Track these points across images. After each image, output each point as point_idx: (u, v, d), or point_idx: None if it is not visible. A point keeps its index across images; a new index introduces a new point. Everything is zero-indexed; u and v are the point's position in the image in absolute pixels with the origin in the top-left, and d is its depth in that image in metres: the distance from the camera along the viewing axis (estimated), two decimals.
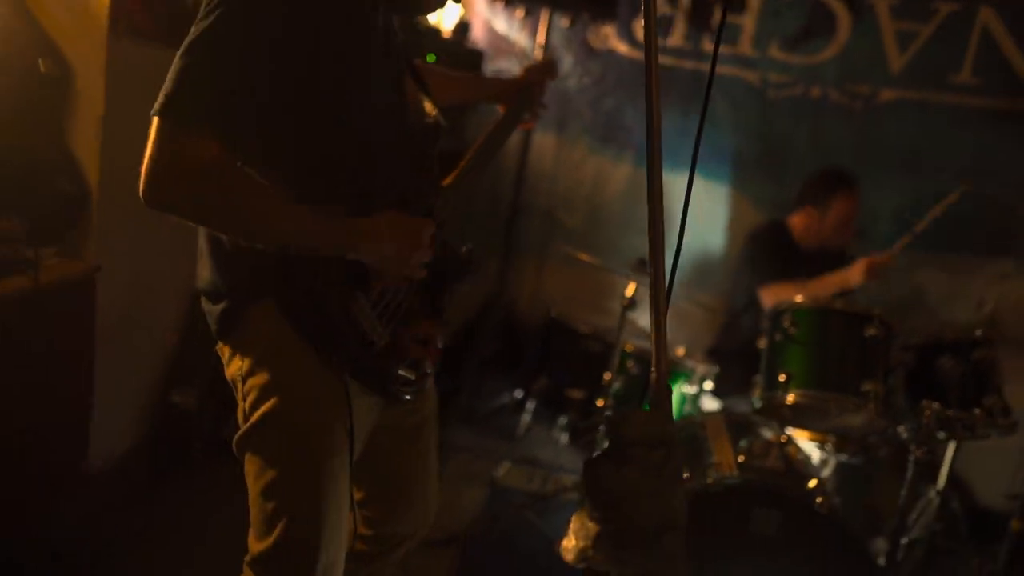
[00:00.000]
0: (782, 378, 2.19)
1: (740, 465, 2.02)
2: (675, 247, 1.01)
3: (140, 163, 1.11)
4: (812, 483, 1.96)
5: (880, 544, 2.53)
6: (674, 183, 3.91)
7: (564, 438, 3.07)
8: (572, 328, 3.13)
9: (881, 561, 2.20)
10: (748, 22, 3.40)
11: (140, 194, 1.08)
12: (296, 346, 1.19)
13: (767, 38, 3.39)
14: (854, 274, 2.68)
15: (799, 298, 2.30)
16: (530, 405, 3.33)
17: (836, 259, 3.07)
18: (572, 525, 0.80)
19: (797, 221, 3.04)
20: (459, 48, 3.17)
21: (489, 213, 3.68)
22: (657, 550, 0.76)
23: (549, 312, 3.35)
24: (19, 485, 1.96)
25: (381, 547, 1.55)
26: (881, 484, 2.84)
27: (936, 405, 2.06)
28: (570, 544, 0.78)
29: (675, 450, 0.80)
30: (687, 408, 2.77)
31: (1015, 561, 2.31)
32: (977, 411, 2.10)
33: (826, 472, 2.61)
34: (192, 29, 1.07)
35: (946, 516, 2.58)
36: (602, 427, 0.85)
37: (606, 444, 0.79)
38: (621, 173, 3.67)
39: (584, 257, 2.46)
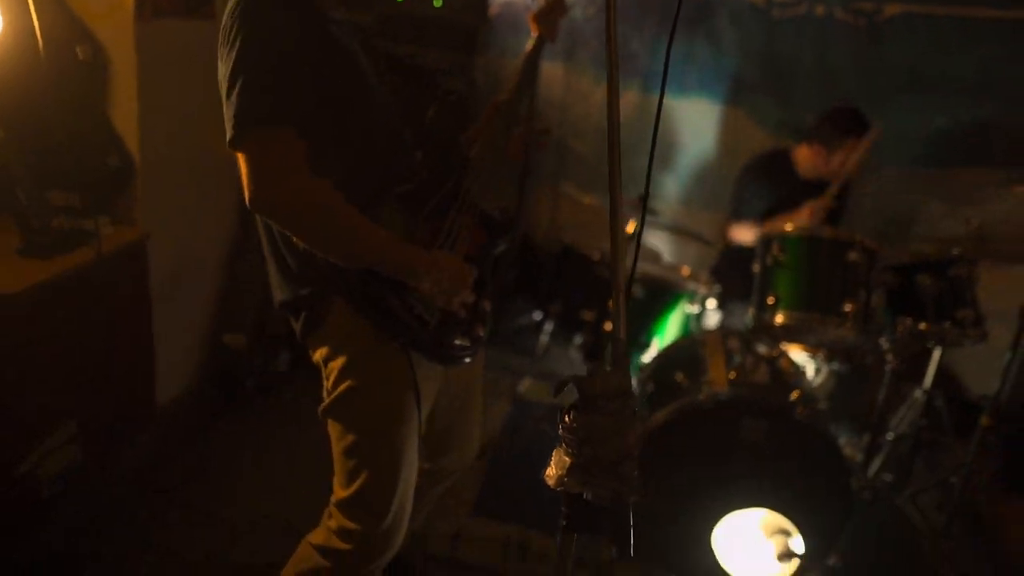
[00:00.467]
0: (771, 301, 2.40)
1: (731, 381, 2.26)
2: (647, 172, 1.19)
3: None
4: (795, 394, 2.20)
5: (865, 439, 2.78)
6: (679, 107, 4.12)
7: (579, 355, 3.33)
8: (584, 255, 3.32)
9: (860, 456, 2.46)
10: None
11: (248, 203, 1.26)
12: (364, 332, 1.40)
13: None
14: (801, 217, 2.84)
15: (788, 226, 2.47)
16: (548, 326, 3.58)
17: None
18: (553, 458, 1.03)
19: (803, 153, 3.12)
20: None
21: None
22: (617, 475, 1.00)
23: (562, 240, 3.54)
24: (103, 422, 2.28)
25: (434, 479, 1.82)
26: (872, 387, 3.08)
27: (909, 320, 2.27)
28: (551, 473, 1.03)
29: (630, 398, 1.02)
30: (691, 327, 2.99)
31: (983, 453, 2.55)
32: (947, 324, 2.30)
33: (819, 380, 2.84)
34: (223, 64, 1.26)
35: (931, 413, 2.82)
36: (572, 382, 1.05)
37: (576, 396, 1.02)
38: (628, 100, 3.75)
39: (588, 200, 2.63)
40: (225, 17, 1.29)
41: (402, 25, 3.06)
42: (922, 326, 2.33)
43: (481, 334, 1.56)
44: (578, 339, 3.35)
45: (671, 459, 2.21)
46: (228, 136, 1.25)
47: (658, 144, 3.52)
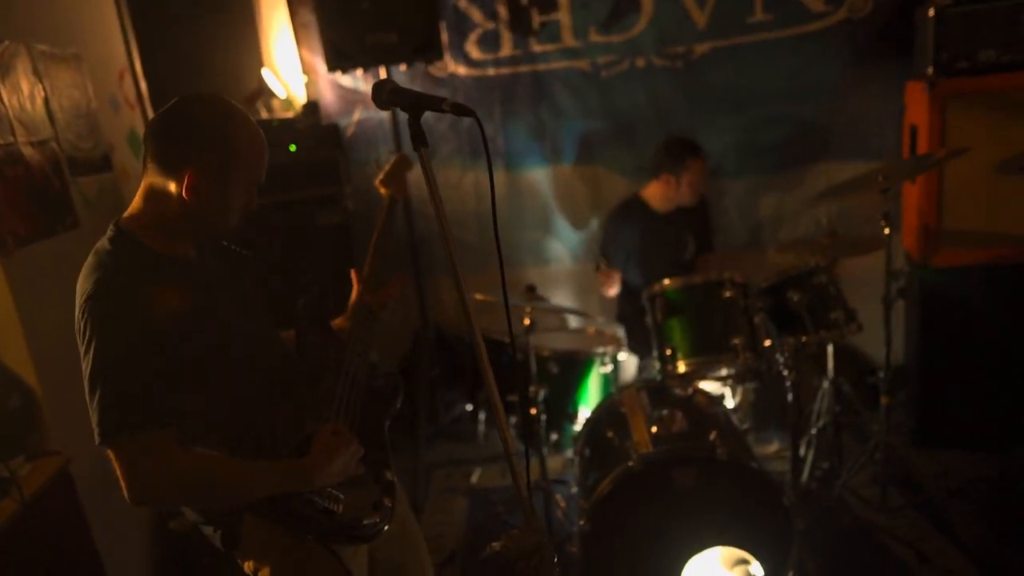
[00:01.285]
0: (668, 352, 2.60)
1: (654, 437, 2.43)
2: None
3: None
4: (713, 435, 2.38)
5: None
6: (543, 176, 4.37)
7: (517, 436, 3.45)
8: (496, 340, 3.47)
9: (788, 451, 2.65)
10: (564, 17, 3.68)
11: (128, 501, 1.33)
12: (280, 537, 1.47)
13: (584, 27, 3.68)
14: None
15: (666, 281, 2.68)
16: (481, 414, 3.69)
17: (694, 213, 3.49)
18: None
19: (653, 190, 3.44)
20: (315, 130, 3.38)
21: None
22: None
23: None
24: None
25: None
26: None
27: (791, 338, 2.50)
28: None
29: (546, 551, 1.16)
30: (611, 386, 3.16)
31: (892, 427, 2.81)
32: (824, 330, 2.55)
33: (737, 400, 3.06)
34: (82, 361, 1.33)
35: (841, 398, 3.07)
36: (489, 552, 1.16)
37: (496, 562, 1.14)
38: (496, 180, 3.96)
39: (479, 297, 2.78)
40: (76, 310, 1.35)
41: (268, 177, 3.16)
42: (804, 339, 2.58)
43: (390, 504, 1.62)
44: (512, 420, 3.47)
45: (621, 524, 2.34)
46: (96, 439, 1.31)
47: (536, 213, 3.76)
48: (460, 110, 1.23)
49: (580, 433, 2.88)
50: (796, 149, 3.74)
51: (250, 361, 1.53)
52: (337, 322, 1.83)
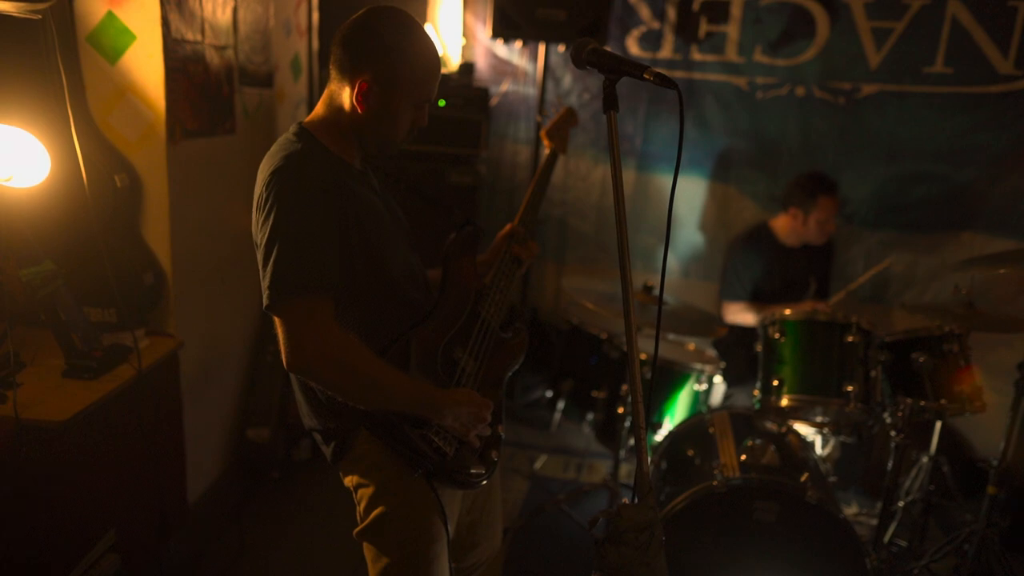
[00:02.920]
0: (775, 383, 2.51)
1: (742, 464, 2.36)
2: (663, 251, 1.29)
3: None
4: (804, 476, 2.29)
5: (879, 507, 2.86)
6: (671, 183, 4.29)
7: (592, 432, 3.43)
8: (593, 334, 3.44)
9: (874, 522, 2.53)
10: (732, 30, 3.61)
11: (285, 366, 1.37)
12: (389, 462, 1.50)
13: (751, 44, 3.60)
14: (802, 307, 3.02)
15: (787, 311, 2.60)
16: (560, 404, 3.68)
17: (820, 253, 3.37)
18: None
19: (782, 222, 3.34)
20: (466, 90, 3.44)
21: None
22: None
23: (570, 319, 3.66)
24: (140, 528, 2.36)
25: (464, 575, 1.91)
26: (878, 453, 3.17)
27: (909, 400, 2.38)
28: None
29: (658, 530, 1.13)
30: (700, 404, 3.09)
31: (991, 521, 2.63)
32: (945, 400, 2.41)
33: (826, 451, 2.94)
34: (258, 230, 1.39)
35: (938, 477, 2.91)
36: (601, 515, 1.15)
37: (608, 530, 1.13)
38: (625, 179, 3.92)
39: (590, 306, 2.77)
40: (258, 185, 1.41)
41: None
42: (922, 403, 2.44)
43: (495, 458, 1.64)
44: (590, 416, 3.44)
45: (691, 542, 2.29)
46: (264, 302, 1.36)
47: (658, 219, 3.67)
48: (663, 80, 1.21)
49: (661, 444, 2.83)
50: (943, 213, 3.56)
51: (398, 275, 1.56)
52: (481, 257, 1.85)
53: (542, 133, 2.09)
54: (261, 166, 1.45)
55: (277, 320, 1.37)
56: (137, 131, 2.37)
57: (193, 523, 2.70)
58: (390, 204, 1.65)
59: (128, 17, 2.26)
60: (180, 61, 2.41)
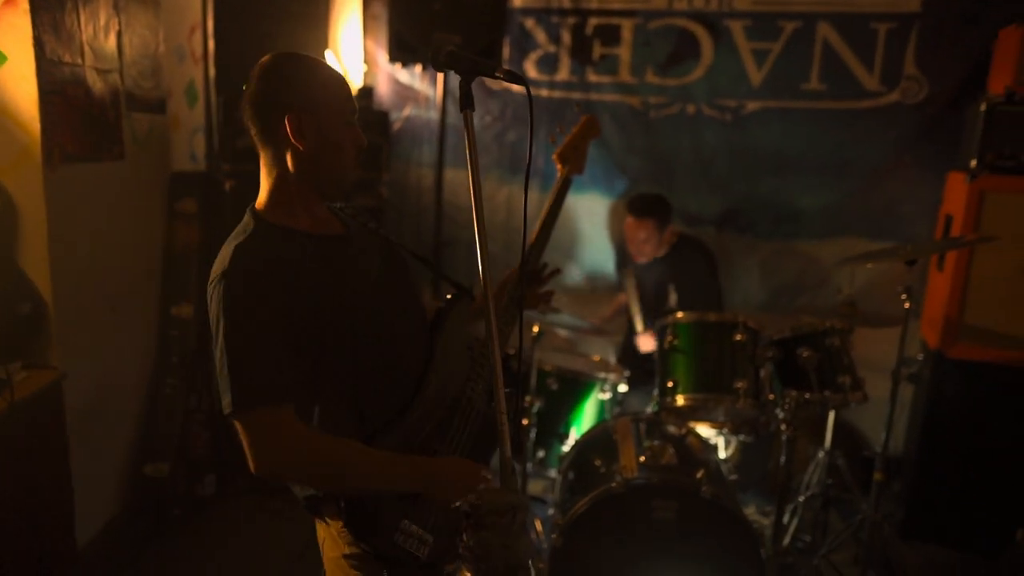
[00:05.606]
0: (670, 384, 2.58)
1: (641, 465, 2.40)
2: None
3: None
4: (700, 473, 2.35)
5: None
6: (576, 203, 4.44)
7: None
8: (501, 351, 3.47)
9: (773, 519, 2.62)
10: (624, 53, 3.76)
11: (253, 471, 1.30)
12: (357, 551, 1.43)
13: (643, 65, 3.76)
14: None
15: (680, 314, 2.69)
16: None
17: (666, 262, 3.46)
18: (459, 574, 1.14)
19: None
20: (366, 114, 3.46)
21: (415, 248, 4.00)
22: None
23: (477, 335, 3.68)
24: (17, 566, 2.23)
25: None
26: (778, 453, 3.28)
27: (795, 392, 2.48)
28: None
29: (520, 512, 1.15)
30: (606, 413, 3.14)
31: (885, 504, 2.75)
32: (829, 392, 2.53)
33: (729, 452, 3.02)
34: (213, 334, 1.32)
35: (834, 471, 3.03)
36: (462, 504, 1.15)
37: (469, 513, 1.14)
38: (530, 198, 3.99)
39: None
40: (209, 286, 1.35)
41: None
42: (807, 395, 2.55)
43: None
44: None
45: (593, 544, 2.31)
46: (225, 409, 1.30)
47: (563, 239, 3.75)
48: (512, 77, 1.26)
49: (568, 455, 2.86)
50: (830, 221, 3.76)
51: (387, 338, 1.47)
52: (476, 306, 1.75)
53: (554, 157, 1.88)
54: (215, 263, 1.36)
55: (238, 425, 1.31)
56: (10, 155, 2.29)
57: (83, 568, 2.56)
58: (385, 259, 1.58)
59: None
60: (57, 84, 2.36)
